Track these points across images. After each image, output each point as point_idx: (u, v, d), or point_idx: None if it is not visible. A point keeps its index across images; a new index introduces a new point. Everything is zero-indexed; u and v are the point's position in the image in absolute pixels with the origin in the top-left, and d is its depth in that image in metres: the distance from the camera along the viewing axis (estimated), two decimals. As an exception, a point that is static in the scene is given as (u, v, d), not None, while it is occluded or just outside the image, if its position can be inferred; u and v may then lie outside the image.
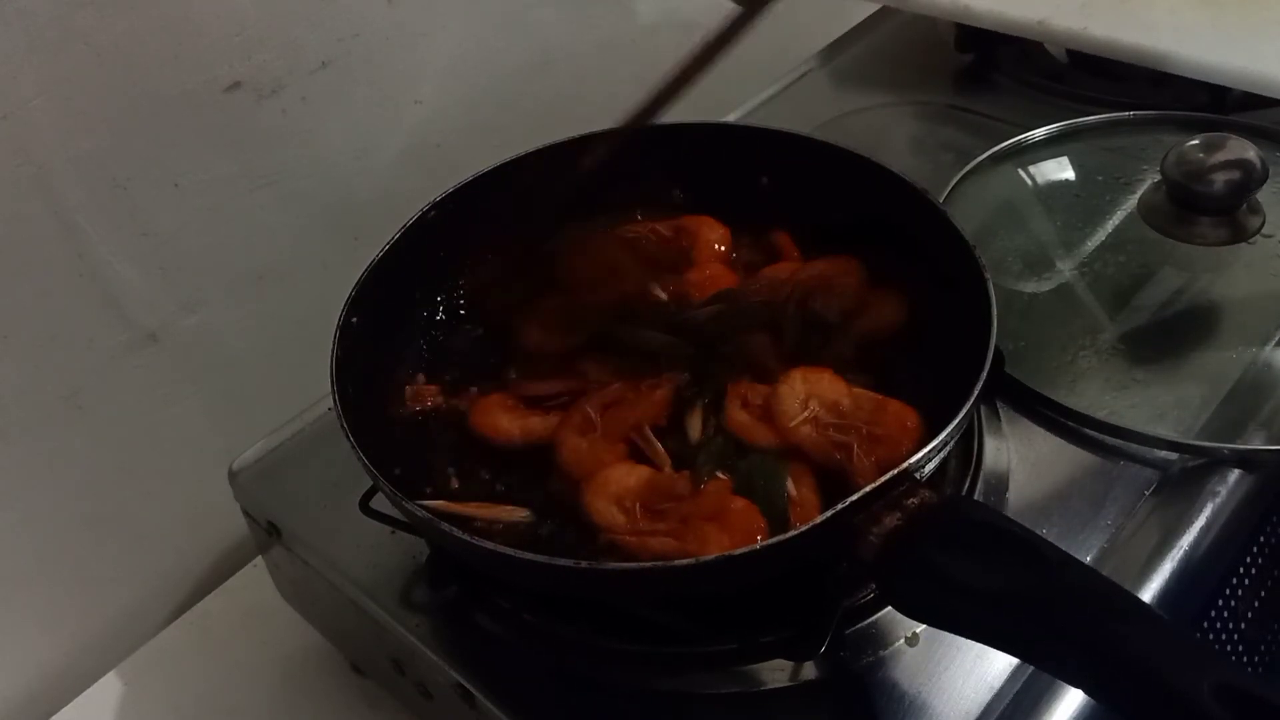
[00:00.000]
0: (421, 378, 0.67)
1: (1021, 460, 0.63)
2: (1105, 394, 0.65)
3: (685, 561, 0.49)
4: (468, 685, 0.56)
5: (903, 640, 0.55)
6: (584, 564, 0.52)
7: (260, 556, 0.72)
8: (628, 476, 0.57)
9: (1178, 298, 0.72)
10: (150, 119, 0.71)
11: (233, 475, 0.69)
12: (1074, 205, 0.79)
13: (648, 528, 0.54)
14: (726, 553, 0.50)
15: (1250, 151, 0.71)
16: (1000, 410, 0.66)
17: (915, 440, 0.56)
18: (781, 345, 0.64)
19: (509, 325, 0.68)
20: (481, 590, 0.60)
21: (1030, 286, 0.73)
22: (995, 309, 0.57)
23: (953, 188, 0.79)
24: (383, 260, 0.65)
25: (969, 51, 0.98)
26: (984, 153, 0.82)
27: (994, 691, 0.53)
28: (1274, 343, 0.67)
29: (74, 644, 0.81)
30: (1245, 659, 0.64)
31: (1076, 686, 0.44)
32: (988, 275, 0.58)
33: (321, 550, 0.64)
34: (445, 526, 0.51)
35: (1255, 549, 0.63)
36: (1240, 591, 0.63)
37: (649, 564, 0.52)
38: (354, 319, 0.62)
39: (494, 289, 0.71)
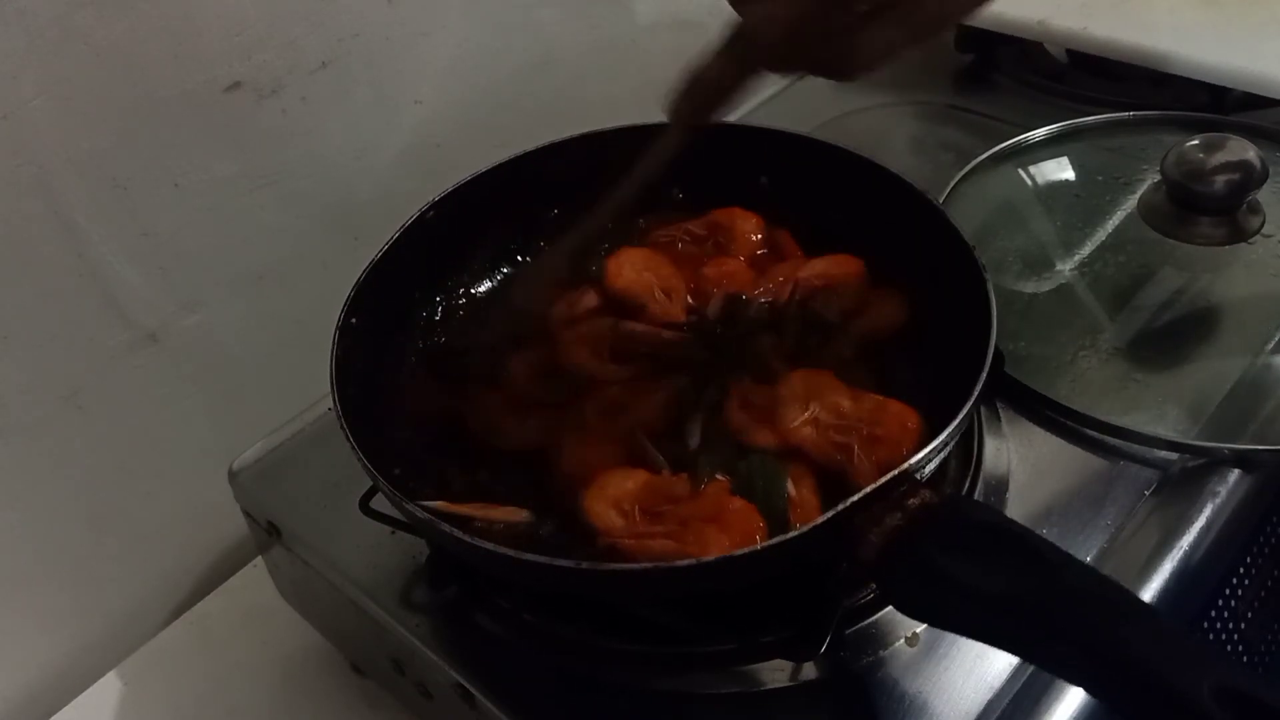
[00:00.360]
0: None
1: (1021, 460, 0.63)
2: (1105, 394, 0.66)
3: (686, 562, 0.49)
4: (468, 685, 0.56)
5: (903, 640, 0.55)
6: (584, 564, 0.52)
7: (260, 556, 0.72)
8: (626, 480, 0.57)
9: (1178, 298, 0.72)
10: (150, 119, 0.71)
11: (233, 475, 0.69)
12: (1074, 205, 0.79)
13: (646, 530, 0.54)
14: (727, 553, 0.50)
15: (1250, 151, 0.71)
16: (1000, 410, 0.66)
17: (915, 441, 0.56)
18: (782, 346, 0.64)
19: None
20: (481, 590, 0.60)
21: (1030, 286, 0.73)
22: (995, 309, 0.57)
23: (953, 188, 0.79)
24: (382, 260, 0.65)
25: (969, 51, 0.98)
26: (984, 153, 0.82)
27: (994, 691, 0.53)
28: (1274, 343, 0.67)
29: (74, 644, 0.81)
30: (1245, 659, 0.64)
31: (1077, 686, 0.44)
32: (988, 275, 0.58)
33: (321, 550, 0.64)
34: (445, 527, 0.51)
35: (1255, 549, 0.63)
36: (1240, 591, 0.63)
37: (649, 564, 0.52)
38: (354, 319, 0.62)
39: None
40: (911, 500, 0.49)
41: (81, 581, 0.80)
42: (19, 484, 0.73)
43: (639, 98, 1.06)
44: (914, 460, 0.50)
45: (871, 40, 0.45)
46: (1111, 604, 0.43)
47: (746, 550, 0.49)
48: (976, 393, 0.53)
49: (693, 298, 0.69)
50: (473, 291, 0.72)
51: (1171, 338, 0.70)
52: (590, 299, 0.69)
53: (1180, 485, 0.61)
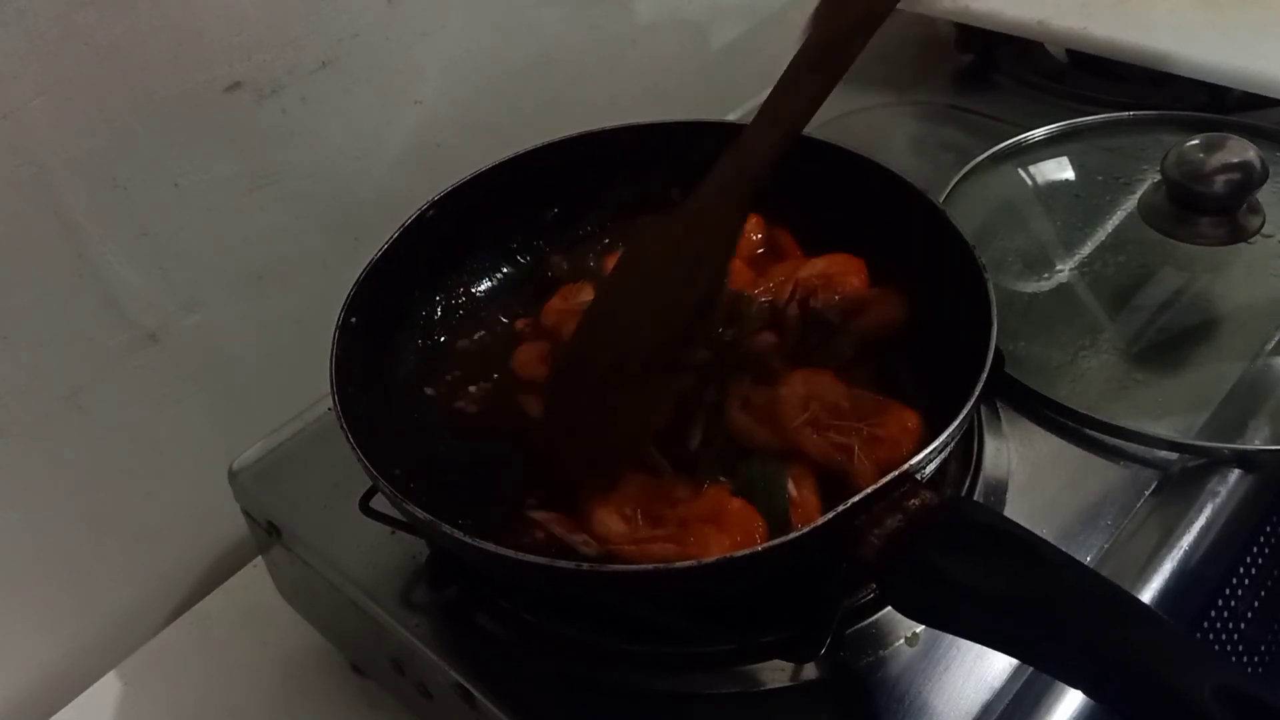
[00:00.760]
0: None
1: (1021, 460, 0.63)
2: (1105, 394, 0.66)
3: (686, 563, 0.49)
4: (468, 685, 0.56)
5: (903, 640, 0.55)
6: (584, 565, 0.52)
7: (260, 556, 0.72)
8: (627, 484, 0.57)
9: (1178, 298, 0.72)
10: (150, 119, 0.71)
11: (233, 475, 0.69)
12: (1074, 205, 0.79)
13: (647, 535, 0.54)
14: (728, 554, 0.50)
15: (1250, 151, 0.71)
16: (1000, 410, 0.66)
17: (916, 441, 0.56)
18: (782, 345, 0.64)
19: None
20: (481, 590, 0.60)
21: (1030, 286, 0.73)
22: (995, 309, 0.57)
23: (953, 188, 0.79)
24: (382, 260, 0.65)
25: (969, 51, 0.98)
26: (984, 153, 0.82)
27: (994, 691, 0.53)
28: (1274, 343, 0.67)
29: (74, 644, 0.81)
30: (1245, 659, 0.64)
31: (1076, 688, 0.45)
32: (988, 275, 0.58)
33: (321, 550, 0.64)
34: (445, 527, 0.51)
35: (1255, 549, 0.63)
36: (1240, 591, 0.63)
37: (650, 565, 0.52)
38: (353, 319, 0.62)
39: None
40: (912, 501, 0.49)
41: (81, 581, 0.80)
42: (19, 484, 0.73)
43: (639, 98, 1.07)
44: (914, 461, 0.50)
45: None
46: (1111, 605, 0.43)
47: (747, 551, 0.49)
48: (976, 393, 0.53)
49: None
50: (473, 291, 0.72)
51: (1171, 338, 0.70)
52: (587, 293, 0.69)
53: (1180, 485, 0.61)
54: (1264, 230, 0.73)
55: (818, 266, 0.68)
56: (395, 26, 0.82)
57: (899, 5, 0.55)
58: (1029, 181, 0.82)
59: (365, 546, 0.63)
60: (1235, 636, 0.63)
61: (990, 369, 0.54)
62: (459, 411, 0.66)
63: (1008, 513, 0.60)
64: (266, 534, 0.67)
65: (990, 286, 0.58)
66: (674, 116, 0.72)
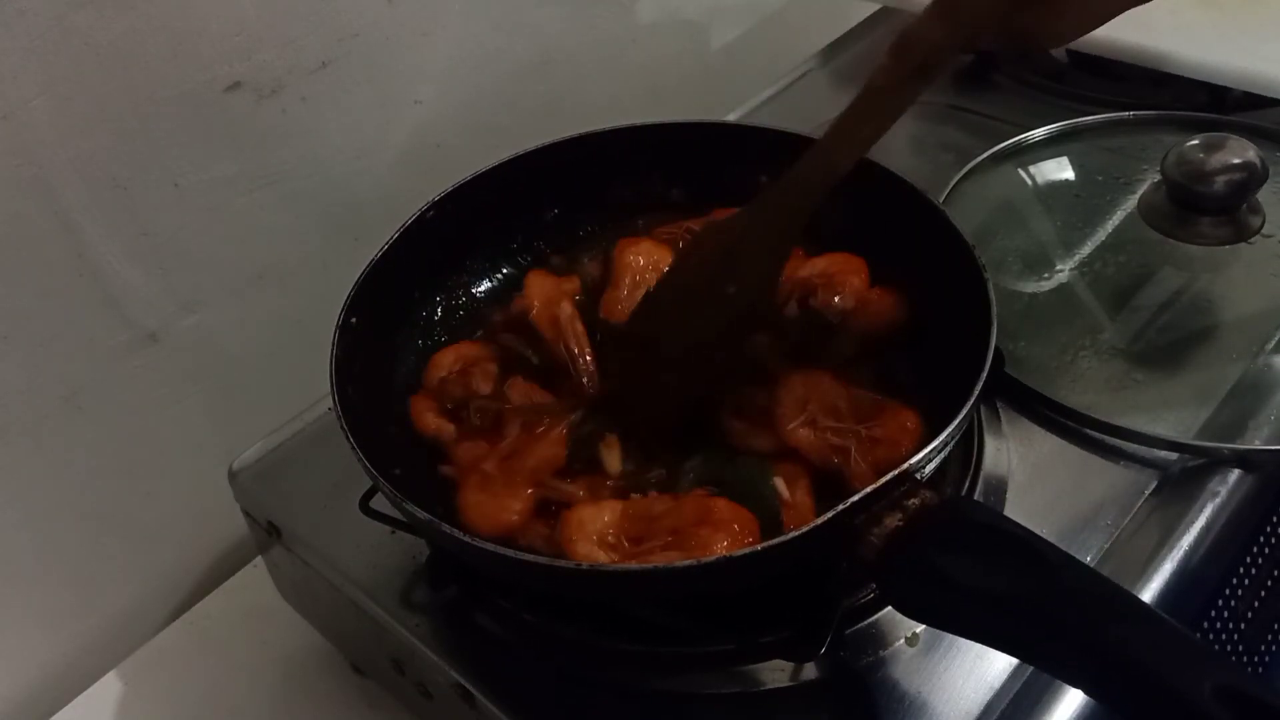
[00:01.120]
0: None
1: (1021, 460, 0.63)
2: (1105, 394, 0.65)
3: (686, 562, 0.49)
4: (468, 685, 0.56)
5: (903, 640, 0.55)
6: (584, 565, 0.52)
7: (260, 556, 0.72)
8: (600, 513, 0.56)
9: (1178, 298, 0.72)
10: (150, 119, 0.72)
11: (233, 475, 0.69)
12: (1074, 205, 0.79)
13: (642, 551, 0.54)
14: (728, 553, 0.50)
15: (1250, 151, 0.71)
16: (1000, 410, 0.66)
17: (915, 441, 0.56)
18: (782, 345, 0.64)
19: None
20: (481, 590, 0.60)
21: (1030, 286, 0.73)
22: (995, 309, 0.57)
23: (953, 188, 0.79)
24: (382, 260, 0.65)
25: (969, 51, 0.98)
26: (984, 153, 0.82)
27: (994, 691, 0.53)
28: (1274, 343, 0.67)
29: (74, 644, 0.81)
30: (1245, 659, 0.64)
31: (1077, 687, 0.44)
32: (988, 275, 0.58)
33: (321, 550, 0.64)
34: (445, 527, 0.51)
35: (1255, 549, 0.63)
36: (1240, 591, 0.63)
37: (650, 565, 0.52)
38: (353, 319, 0.62)
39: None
40: (911, 500, 0.49)
41: (81, 581, 0.80)
42: (19, 484, 0.74)
43: (639, 98, 1.07)
44: (914, 460, 0.50)
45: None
46: (1111, 604, 0.43)
47: (746, 551, 0.49)
48: (976, 393, 0.53)
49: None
50: (473, 292, 0.72)
51: (1171, 338, 0.70)
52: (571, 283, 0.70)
53: (1180, 485, 0.61)
54: (1264, 230, 0.73)
55: (818, 266, 0.68)
56: (395, 26, 0.83)
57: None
58: (1029, 181, 0.82)
59: (365, 546, 0.63)
60: (1235, 636, 0.63)
61: (990, 369, 0.54)
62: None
63: (1008, 512, 0.60)
64: (266, 534, 0.67)
65: (990, 286, 0.58)
66: (674, 116, 0.72)
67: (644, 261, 0.69)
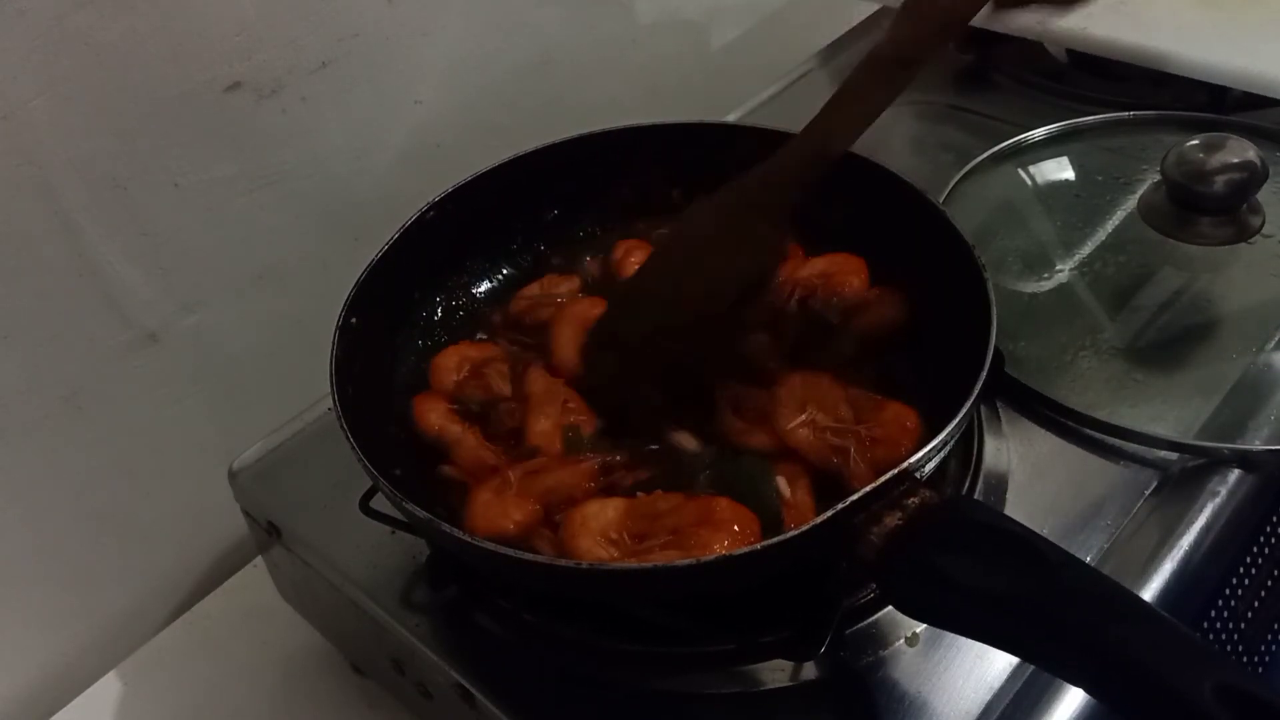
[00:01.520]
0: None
1: (1021, 460, 0.63)
2: (1105, 394, 0.65)
3: (686, 561, 0.49)
4: (468, 685, 0.56)
5: (903, 640, 0.55)
6: (585, 565, 0.52)
7: (260, 556, 0.72)
8: (604, 510, 0.56)
9: (1178, 298, 0.72)
10: (150, 119, 0.72)
11: (233, 475, 0.69)
12: (1074, 205, 0.79)
13: (642, 549, 0.54)
14: (727, 552, 0.50)
15: (1250, 151, 0.71)
16: (1000, 410, 0.66)
17: (915, 440, 0.56)
18: (781, 345, 0.64)
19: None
20: (481, 590, 0.60)
21: (1030, 286, 0.73)
22: (995, 309, 0.57)
23: (953, 188, 0.79)
24: (382, 260, 0.65)
25: (969, 51, 0.98)
26: (984, 153, 0.82)
27: (994, 691, 0.53)
28: (1274, 343, 0.67)
29: (74, 644, 0.81)
30: (1245, 659, 0.64)
31: (1077, 686, 0.44)
32: (988, 275, 0.58)
33: (321, 550, 0.64)
34: (445, 527, 0.51)
35: (1255, 549, 0.63)
36: (1240, 591, 0.63)
37: (650, 565, 0.52)
38: (353, 319, 0.62)
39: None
40: (911, 500, 0.49)
41: (81, 581, 0.80)
42: (19, 484, 0.74)
43: (639, 98, 1.07)
44: (914, 459, 0.50)
45: None
46: (1111, 604, 0.43)
47: (746, 550, 0.49)
48: (976, 392, 0.53)
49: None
50: (473, 292, 0.72)
51: (1171, 338, 0.70)
52: (566, 285, 0.70)
53: (1180, 485, 0.61)
54: (1264, 230, 0.73)
55: (817, 266, 0.68)
56: (395, 26, 0.83)
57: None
58: (1029, 181, 0.82)
59: (365, 546, 0.63)
60: (1235, 636, 0.63)
61: (990, 369, 0.54)
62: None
63: (1008, 512, 0.60)
64: (266, 534, 0.67)
65: (990, 286, 0.58)
66: (674, 117, 0.72)
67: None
